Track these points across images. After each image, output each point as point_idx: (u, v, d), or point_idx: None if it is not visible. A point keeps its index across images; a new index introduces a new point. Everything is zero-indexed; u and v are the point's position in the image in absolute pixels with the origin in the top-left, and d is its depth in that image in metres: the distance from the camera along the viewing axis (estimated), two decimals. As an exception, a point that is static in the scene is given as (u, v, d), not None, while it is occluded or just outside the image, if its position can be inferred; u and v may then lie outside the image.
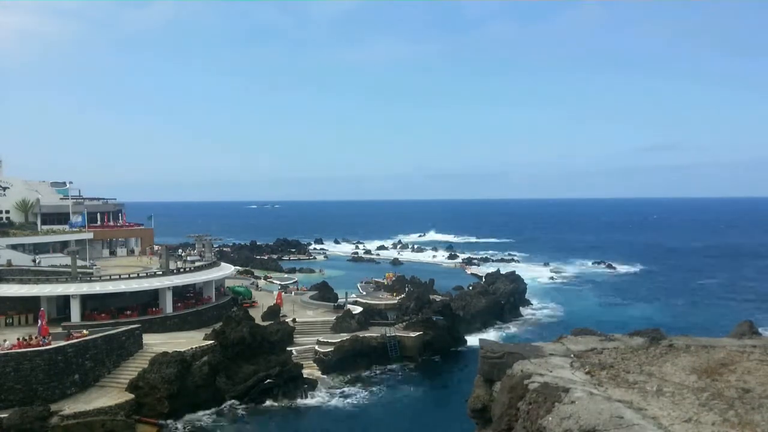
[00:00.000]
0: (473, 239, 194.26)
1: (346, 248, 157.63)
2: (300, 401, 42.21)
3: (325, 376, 47.41)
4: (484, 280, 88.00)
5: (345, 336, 52.25)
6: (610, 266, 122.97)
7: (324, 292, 70.57)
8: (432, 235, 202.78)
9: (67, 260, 55.70)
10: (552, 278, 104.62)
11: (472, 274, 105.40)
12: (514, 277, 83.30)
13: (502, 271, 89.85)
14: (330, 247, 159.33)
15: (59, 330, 43.61)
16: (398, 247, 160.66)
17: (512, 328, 66.88)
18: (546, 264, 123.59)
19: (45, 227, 73.34)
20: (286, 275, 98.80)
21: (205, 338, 44.52)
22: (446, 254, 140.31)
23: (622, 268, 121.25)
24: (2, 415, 32.91)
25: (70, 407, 34.81)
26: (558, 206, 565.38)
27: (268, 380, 42.47)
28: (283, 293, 69.28)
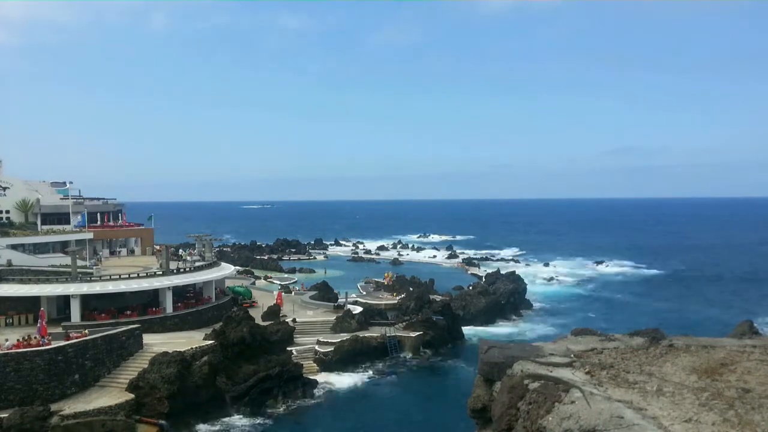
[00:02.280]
0: (466, 238, 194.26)
1: (346, 248, 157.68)
2: (300, 401, 42.20)
3: (325, 376, 47.40)
4: (484, 280, 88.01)
5: (345, 336, 52.25)
6: (610, 266, 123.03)
7: (324, 292, 70.56)
8: (432, 236, 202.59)
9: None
10: (552, 278, 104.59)
11: (472, 274, 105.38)
12: (514, 277, 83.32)
13: (502, 271, 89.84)
14: (330, 247, 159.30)
15: (59, 330, 43.61)
16: (398, 247, 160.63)
17: (512, 328, 66.86)
18: (546, 264, 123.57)
19: (45, 227, 73.30)
20: (286, 275, 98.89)
21: (205, 338, 44.51)
22: (446, 254, 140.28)
23: (622, 268, 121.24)
24: (2, 415, 32.87)
25: (70, 407, 34.77)
26: (539, 206, 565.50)
27: (268, 380, 42.46)
28: (283, 293, 69.32)
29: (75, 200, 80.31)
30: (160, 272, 54.74)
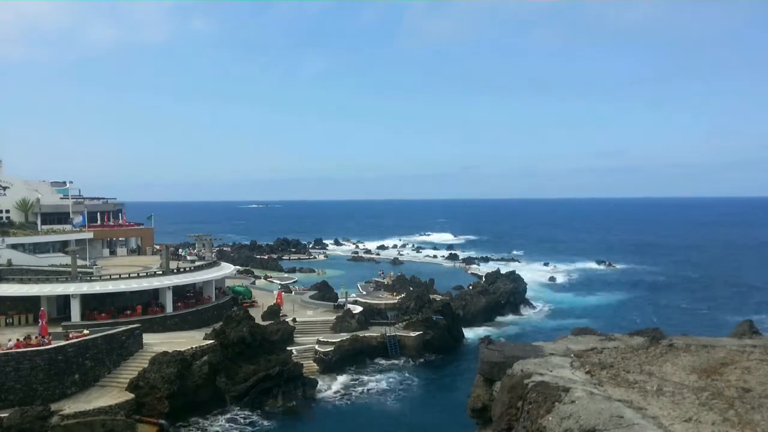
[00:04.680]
0: (466, 238, 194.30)
1: (346, 248, 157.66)
2: (300, 401, 42.20)
3: (325, 376, 47.41)
4: (484, 279, 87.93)
5: (345, 336, 52.26)
6: (610, 265, 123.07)
7: (324, 292, 70.57)
8: (432, 236, 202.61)
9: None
10: (552, 278, 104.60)
11: (472, 273, 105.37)
12: (514, 277, 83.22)
13: (503, 271, 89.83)
14: (330, 247, 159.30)
15: (59, 330, 43.62)
16: (398, 247, 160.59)
17: (512, 328, 66.84)
18: (546, 264, 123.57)
19: (45, 227, 73.32)
20: (286, 275, 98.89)
21: (205, 338, 44.51)
22: (446, 254, 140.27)
23: (622, 268, 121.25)
24: (2, 415, 32.88)
25: (70, 407, 34.78)
26: (515, 206, 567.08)
27: (268, 380, 42.46)
28: (283, 293, 69.33)
29: (75, 200, 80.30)
30: (160, 272, 54.76)
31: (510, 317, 71.26)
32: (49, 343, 37.67)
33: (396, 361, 51.89)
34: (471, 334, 61.65)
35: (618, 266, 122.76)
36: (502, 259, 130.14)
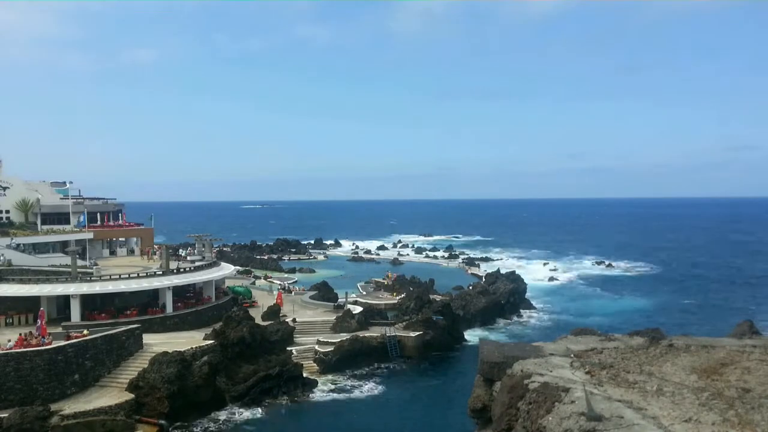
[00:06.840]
0: (465, 238, 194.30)
1: (346, 248, 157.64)
2: (300, 401, 42.19)
3: (325, 376, 47.40)
4: (484, 280, 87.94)
5: (345, 336, 52.24)
6: (609, 266, 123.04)
7: (324, 292, 70.54)
8: (432, 236, 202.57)
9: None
10: (552, 278, 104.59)
11: (472, 274, 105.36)
12: (514, 277, 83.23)
13: (503, 271, 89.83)
14: (330, 247, 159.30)
15: (59, 330, 43.60)
16: (398, 247, 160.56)
17: (512, 328, 66.85)
18: (546, 264, 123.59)
19: (45, 227, 73.29)
20: (286, 275, 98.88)
21: (205, 338, 44.52)
22: (446, 254, 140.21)
23: (622, 268, 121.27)
24: (2, 415, 32.89)
25: (70, 407, 34.79)
26: (515, 207, 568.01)
27: (268, 380, 42.46)
28: (283, 293, 69.32)
29: (75, 200, 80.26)
30: (160, 272, 54.75)
31: (510, 318, 71.22)
32: (49, 343, 37.68)
33: (396, 362, 51.87)
34: (471, 334, 61.62)
35: (617, 266, 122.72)
36: (501, 259, 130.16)
